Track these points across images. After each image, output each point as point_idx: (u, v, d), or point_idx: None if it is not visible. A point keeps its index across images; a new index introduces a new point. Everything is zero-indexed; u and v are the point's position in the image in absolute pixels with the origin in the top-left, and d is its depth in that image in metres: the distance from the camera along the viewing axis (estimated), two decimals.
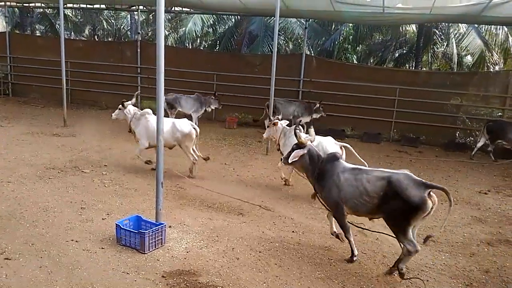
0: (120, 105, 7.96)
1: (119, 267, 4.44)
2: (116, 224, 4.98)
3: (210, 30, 22.00)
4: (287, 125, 7.90)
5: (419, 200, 4.19)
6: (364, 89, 12.48)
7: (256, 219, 5.98)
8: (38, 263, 4.44)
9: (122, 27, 24.57)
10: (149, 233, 4.76)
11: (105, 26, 24.19)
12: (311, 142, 5.21)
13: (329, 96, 12.67)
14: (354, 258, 4.81)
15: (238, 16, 18.65)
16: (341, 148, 6.94)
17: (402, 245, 4.42)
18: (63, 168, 7.83)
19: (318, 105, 11.84)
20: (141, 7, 14.82)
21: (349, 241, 4.83)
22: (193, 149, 7.76)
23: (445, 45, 19.73)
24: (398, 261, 4.49)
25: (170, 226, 5.43)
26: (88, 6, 16.36)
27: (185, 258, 4.69)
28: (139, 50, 14.54)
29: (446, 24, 17.91)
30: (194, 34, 20.86)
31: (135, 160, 8.64)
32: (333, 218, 4.97)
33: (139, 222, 5.18)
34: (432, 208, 4.24)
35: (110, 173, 7.71)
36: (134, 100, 8.17)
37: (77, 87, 15.23)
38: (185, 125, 7.58)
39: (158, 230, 4.89)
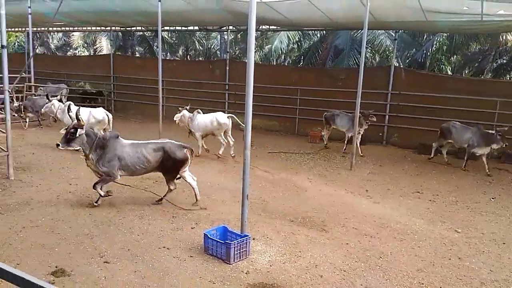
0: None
1: (206, 275, 4.61)
2: (204, 233, 5.21)
3: (295, 46, 22.27)
4: None
5: (184, 156, 6.67)
6: (460, 102, 11.62)
7: (340, 236, 5.83)
8: (133, 267, 4.79)
9: (212, 46, 25.94)
10: (234, 244, 4.89)
11: (197, 46, 25.73)
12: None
13: (419, 109, 12.04)
14: (99, 202, 6.60)
15: (324, 31, 18.65)
16: (228, 118, 10.03)
17: (169, 186, 6.83)
18: (157, 178, 8.38)
19: (495, 133, 9.44)
20: (230, 27, 15.54)
21: (98, 191, 6.49)
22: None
23: None
24: (165, 195, 6.93)
25: (254, 238, 5.52)
26: (183, 28, 17.55)
27: (268, 272, 4.73)
28: (227, 68, 15.20)
29: None
30: (280, 51, 21.28)
31: (221, 173, 9.01)
32: (99, 179, 6.50)
33: (226, 233, 5.34)
34: (191, 159, 6.81)
35: (199, 184, 8.05)
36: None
37: (171, 104, 16.33)
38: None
39: (243, 241, 5.00)
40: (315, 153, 11.10)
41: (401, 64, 18.78)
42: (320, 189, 8.09)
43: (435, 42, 18.84)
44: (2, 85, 7.48)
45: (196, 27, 17.38)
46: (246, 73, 5.05)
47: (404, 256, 5.25)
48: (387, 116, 12.70)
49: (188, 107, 10.86)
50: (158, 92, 12.52)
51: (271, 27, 15.51)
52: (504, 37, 17.57)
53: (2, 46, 7.21)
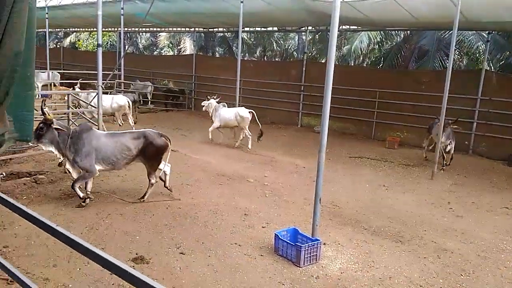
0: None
1: (275, 276, 4.64)
2: (275, 234, 5.24)
3: (376, 46, 21.52)
4: None
5: (164, 143, 6.70)
6: None
7: (417, 249, 5.52)
8: (206, 261, 4.97)
9: (289, 47, 26.00)
10: (305, 247, 4.86)
11: (274, 47, 25.95)
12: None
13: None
14: (83, 203, 6.34)
15: (408, 31, 17.79)
16: (250, 113, 10.82)
17: (150, 180, 6.73)
18: (231, 175, 8.63)
19: None
20: (309, 27, 15.44)
21: (75, 190, 6.26)
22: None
23: None
24: (146, 192, 6.81)
25: (324, 244, 5.44)
26: (262, 29, 17.82)
27: (339, 279, 4.63)
28: (304, 69, 15.13)
29: None
30: (359, 51, 20.70)
31: (293, 174, 9.01)
32: (77, 177, 6.27)
33: (296, 235, 5.33)
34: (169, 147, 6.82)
35: (270, 184, 8.17)
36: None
37: (247, 103, 16.54)
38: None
39: (314, 245, 4.95)
40: (392, 160, 10.62)
41: (492, 67, 17.27)
42: (397, 198, 7.72)
43: None
44: (96, 81, 8.16)
45: (275, 28, 17.53)
46: (325, 74, 4.97)
47: (488, 276, 4.83)
48: (474, 124, 11.75)
49: (216, 98, 11.80)
50: (235, 91, 12.88)
51: (351, 27, 15.13)
52: None
53: (98, 45, 7.87)
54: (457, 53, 18.85)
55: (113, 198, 6.82)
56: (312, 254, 4.93)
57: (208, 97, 11.93)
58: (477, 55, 18.82)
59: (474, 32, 16.82)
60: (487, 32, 13.28)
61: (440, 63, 17.47)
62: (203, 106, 11.77)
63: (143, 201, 6.74)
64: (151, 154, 6.60)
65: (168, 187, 7.07)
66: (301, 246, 4.83)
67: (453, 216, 6.87)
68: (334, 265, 4.96)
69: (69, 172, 6.54)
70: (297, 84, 15.40)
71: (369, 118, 13.56)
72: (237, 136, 11.50)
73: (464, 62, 20.04)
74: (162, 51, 29.35)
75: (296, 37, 24.54)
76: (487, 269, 5.01)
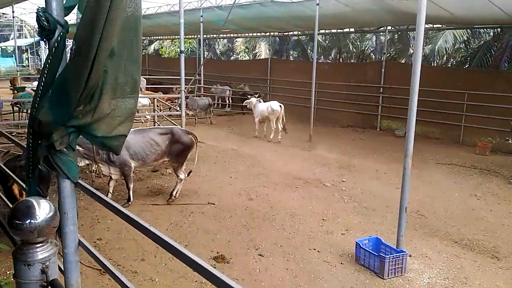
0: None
1: (357, 286, 4.46)
2: (356, 242, 5.05)
3: (462, 46, 20.03)
4: None
5: (190, 141, 6.79)
6: None
7: None
8: (285, 265, 4.93)
9: (366, 48, 25.19)
10: (389, 259, 4.61)
11: (350, 48, 25.30)
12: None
13: None
14: (130, 203, 6.52)
15: (499, 29, 16.32)
16: (280, 106, 11.57)
17: (178, 175, 6.82)
18: (307, 179, 8.52)
19: None
20: (388, 27, 14.82)
21: (129, 189, 6.55)
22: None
23: None
24: (173, 190, 6.86)
25: (410, 255, 5.13)
26: (338, 30, 17.47)
27: None
28: (383, 70, 14.54)
29: None
30: (444, 51, 19.42)
31: (373, 179, 8.67)
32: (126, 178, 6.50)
33: (378, 245, 5.09)
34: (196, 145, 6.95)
35: (349, 190, 7.92)
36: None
37: (322, 106, 16.42)
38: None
39: (399, 257, 4.69)
40: (484, 167, 9.75)
41: None
42: (491, 209, 7.05)
43: None
44: (179, 85, 8.55)
45: (352, 29, 17.08)
46: (405, 75, 4.71)
47: None
48: None
49: (257, 96, 12.89)
50: (310, 94, 12.75)
51: (434, 25, 14.23)
52: None
53: (181, 51, 8.25)
54: None
55: (194, 198, 7.08)
56: (397, 266, 4.67)
57: (249, 96, 13.44)
58: None
59: None
60: None
61: None
62: (246, 104, 12.86)
63: (174, 199, 6.74)
64: (177, 150, 6.69)
65: (173, 194, 6.87)
66: (385, 257, 4.60)
67: None
68: (421, 279, 4.65)
69: (109, 175, 6.63)
70: (376, 86, 14.82)
71: (456, 122, 12.61)
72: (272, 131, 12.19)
73: None
74: (239, 56, 30.07)
75: (374, 38, 23.69)
76: None
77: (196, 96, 15.68)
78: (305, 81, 14.61)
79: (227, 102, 18.60)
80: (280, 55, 26.44)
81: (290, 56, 27.37)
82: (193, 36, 23.59)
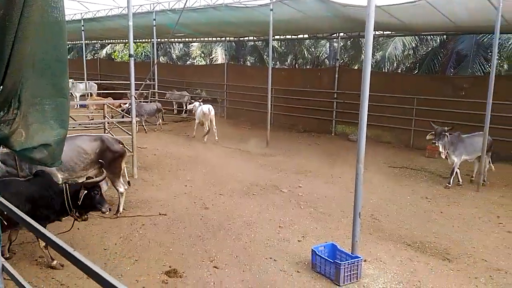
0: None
1: None
2: (312, 249, 4.99)
3: (411, 52, 20.87)
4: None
5: (121, 149, 6.45)
6: None
7: (467, 269, 5.11)
8: (241, 276, 4.78)
9: (320, 54, 25.67)
10: (345, 265, 4.58)
11: (306, 55, 25.68)
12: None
13: None
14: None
15: (445, 36, 17.15)
16: (209, 109, 12.41)
17: (117, 189, 6.45)
18: (265, 185, 8.44)
19: None
20: (341, 34, 15.14)
21: None
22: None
23: None
24: (118, 205, 6.48)
25: (365, 260, 5.13)
26: (293, 36, 17.64)
27: None
28: (336, 75, 14.81)
29: None
30: (394, 58, 20.13)
31: (328, 184, 8.72)
32: None
33: (334, 251, 5.06)
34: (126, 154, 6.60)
35: (305, 195, 7.92)
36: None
37: (278, 112, 16.48)
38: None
39: (354, 263, 4.67)
40: (434, 170, 10.10)
41: None
42: (442, 211, 7.27)
43: None
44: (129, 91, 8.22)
45: (306, 35, 17.31)
46: (358, 81, 4.72)
47: None
48: None
49: (200, 101, 13.78)
50: (267, 100, 12.75)
51: (384, 32, 14.70)
52: None
53: (130, 55, 7.93)
54: (497, 57, 17.93)
55: (146, 209, 6.78)
56: (352, 272, 4.65)
57: (192, 100, 14.71)
58: None
59: None
60: None
61: (480, 68, 16.68)
62: (191, 108, 13.71)
63: (119, 216, 6.37)
64: (109, 159, 6.20)
65: (119, 210, 6.55)
66: (340, 263, 4.56)
67: (503, 231, 6.37)
68: (376, 284, 4.65)
69: None
70: (330, 92, 15.07)
71: (407, 126, 13.05)
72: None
73: (505, 67, 19.09)
74: (195, 61, 29.71)
75: (328, 44, 24.19)
76: None
77: (151, 102, 15.23)
78: (261, 86, 14.59)
79: (185, 107, 18.26)
80: (237, 60, 26.39)
81: (247, 62, 27.38)
82: (147, 40, 23.01)
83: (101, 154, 6.15)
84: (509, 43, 16.97)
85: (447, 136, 8.60)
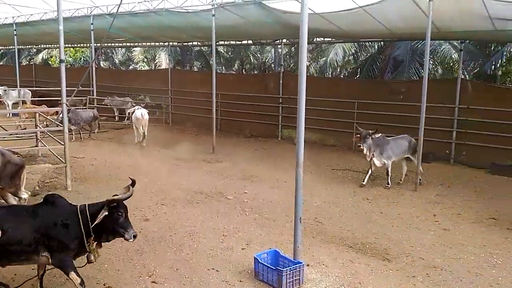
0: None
1: None
2: (254, 257, 4.88)
3: (351, 58, 21.61)
4: None
5: (21, 162, 6.11)
6: None
7: (405, 268, 5.23)
8: None
9: (266, 60, 25.92)
10: (287, 272, 4.51)
11: (252, 60, 25.82)
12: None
13: (491, 125, 10.96)
14: None
15: (382, 42, 17.92)
16: (142, 114, 12.39)
17: (20, 198, 6.00)
18: (209, 193, 8.24)
19: None
20: (284, 40, 15.33)
21: None
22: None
23: None
24: None
25: (308, 265, 5.11)
26: (237, 42, 17.62)
27: None
28: (281, 81, 14.96)
29: None
30: (335, 63, 20.73)
31: (274, 189, 8.69)
32: None
33: (277, 258, 4.99)
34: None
35: (251, 201, 7.82)
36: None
37: (225, 117, 16.35)
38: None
39: (296, 268, 4.62)
40: (375, 171, 10.38)
41: (466, 76, 17.49)
42: (382, 211, 7.46)
43: (505, 53, 17.40)
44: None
45: (250, 41, 17.36)
46: (298, 86, 4.72)
47: None
48: (454, 132, 11.72)
49: (143, 106, 13.74)
50: (212, 105, 12.59)
51: (325, 39, 15.07)
52: None
53: (61, 61, 7.47)
54: (432, 62, 19.04)
55: None
56: (294, 279, 4.59)
57: (134, 104, 14.74)
58: (451, 64, 19.07)
59: (448, 42, 17.04)
60: (459, 41, 13.41)
61: (415, 73, 17.58)
62: (128, 112, 13.87)
63: None
64: (12, 172, 5.90)
65: None
66: (282, 270, 4.49)
67: (439, 229, 6.64)
68: None
69: None
70: (275, 97, 15.19)
71: (349, 129, 13.40)
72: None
73: (439, 71, 20.28)
74: (137, 66, 28.88)
75: (273, 50, 24.47)
76: (479, 287, 4.75)
77: (88, 109, 14.50)
78: (207, 91, 14.36)
79: (127, 114, 17.60)
80: (183, 65, 25.98)
81: (194, 67, 27.05)
82: (85, 44, 22.00)
83: (4, 168, 5.77)
84: (441, 48, 18.05)
85: (372, 139, 8.87)
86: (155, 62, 27.23)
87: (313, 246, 5.82)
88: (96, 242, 4.14)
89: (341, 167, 10.74)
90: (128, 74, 23.29)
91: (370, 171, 9.17)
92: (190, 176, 9.51)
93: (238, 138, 15.04)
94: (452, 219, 7.09)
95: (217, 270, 5.03)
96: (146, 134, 12.69)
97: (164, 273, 4.93)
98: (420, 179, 9.12)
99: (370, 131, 8.94)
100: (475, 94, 11.72)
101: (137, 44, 21.31)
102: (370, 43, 18.92)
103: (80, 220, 4.00)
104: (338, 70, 22.81)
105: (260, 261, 4.78)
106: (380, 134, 9.13)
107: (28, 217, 3.97)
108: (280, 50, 18.40)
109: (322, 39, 14.89)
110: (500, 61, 17.46)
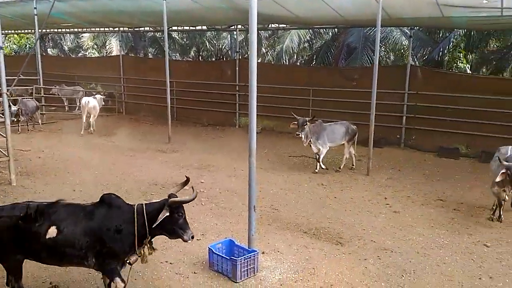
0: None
1: None
2: (208, 248, 4.82)
3: (307, 45, 21.73)
4: None
5: None
6: (480, 102, 10.95)
7: (358, 251, 5.36)
8: (132, 285, 4.42)
9: (223, 47, 25.55)
10: (241, 261, 4.49)
11: (208, 47, 25.35)
12: None
13: (438, 110, 11.44)
14: None
15: (336, 29, 18.13)
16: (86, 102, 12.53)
17: None
18: (165, 184, 8.06)
19: None
20: (239, 26, 15.13)
21: None
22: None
23: None
24: None
25: (263, 252, 5.12)
26: (191, 28, 17.20)
27: None
28: (237, 68, 14.80)
29: None
30: (291, 50, 20.77)
31: (231, 177, 8.64)
32: None
33: (232, 247, 4.95)
34: None
35: (207, 191, 7.73)
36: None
37: (182, 105, 16.01)
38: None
39: (250, 257, 4.60)
40: (330, 157, 10.55)
41: (416, 62, 18.10)
42: (336, 196, 7.61)
43: (452, 40, 18.15)
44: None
45: (205, 27, 17.00)
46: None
47: (429, 275, 4.76)
48: (404, 117, 12.12)
49: (102, 94, 14.12)
50: (166, 93, 12.27)
51: (280, 25, 15.01)
52: None
53: None
54: (383, 49, 19.51)
55: None
56: (249, 267, 4.58)
57: (94, 93, 14.48)
58: (402, 51, 19.61)
59: (398, 28, 17.48)
60: (409, 28, 13.80)
61: (368, 60, 17.95)
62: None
63: None
64: None
65: None
66: (236, 259, 4.46)
67: (390, 212, 6.86)
68: (273, 276, 4.64)
69: None
70: (232, 84, 15.03)
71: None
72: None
73: (391, 58, 20.83)
74: (87, 53, 27.60)
75: (229, 36, 24.14)
76: (427, 267, 4.95)
77: (32, 99, 13.67)
78: (163, 79, 13.94)
79: (78, 104, 16.85)
80: (136, 52, 25.10)
81: (149, 54, 26.21)
82: (30, 30, 20.71)
83: None
84: (393, 35, 18.50)
85: (308, 126, 8.93)
86: (106, 49, 26.13)
87: (268, 233, 5.83)
88: (149, 244, 3.96)
89: (297, 154, 10.83)
90: (78, 61, 22.20)
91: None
92: (145, 167, 9.25)
93: (195, 127, 14.82)
94: (402, 202, 7.35)
95: (170, 263, 4.93)
96: (92, 122, 12.74)
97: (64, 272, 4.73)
98: (342, 165, 9.37)
99: (307, 119, 8.98)
100: (424, 80, 12.15)
101: (85, 30, 20.27)
102: (324, 30, 19.08)
103: (136, 221, 3.76)
104: (295, 57, 22.91)
105: (214, 251, 4.73)
106: (318, 121, 9.21)
107: (84, 218, 3.74)
108: (236, 37, 18.14)
109: (277, 25, 14.81)
110: (447, 47, 18.18)
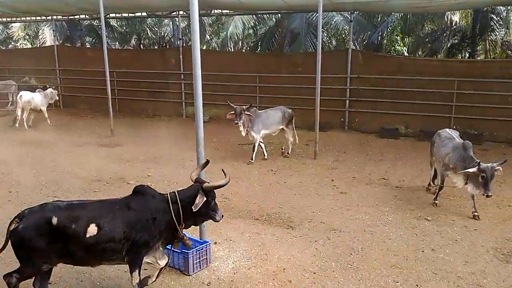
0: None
1: None
2: None
3: (251, 31, 21.64)
4: None
5: None
6: (417, 83, 11.55)
7: (308, 233, 5.47)
8: (79, 286, 4.22)
9: (166, 34, 24.79)
10: (193, 253, 4.41)
11: (150, 35, 24.49)
12: None
13: (378, 92, 11.90)
14: None
15: (279, 15, 18.17)
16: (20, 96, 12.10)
17: None
18: (109, 180, 7.74)
19: None
20: (181, 12, 14.71)
21: None
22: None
23: (503, 32, 18.31)
24: None
25: (215, 243, 5.08)
26: (130, 14, 16.49)
27: (232, 281, 4.31)
28: (181, 56, 14.43)
29: (504, 8, 16.51)
30: (236, 37, 20.59)
31: (179, 169, 8.47)
32: None
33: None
34: None
35: (155, 184, 7.47)
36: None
37: (124, 96, 15.40)
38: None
39: (202, 248, 4.53)
40: (278, 143, 10.65)
41: (357, 46, 18.65)
42: (285, 181, 7.70)
43: (390, 24, 18.87)
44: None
45: (145, 13, 16.36)
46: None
47: (376, 251, 4.96)
48: (347, 101, 12.48)
49: (49, 87, 13.38)
50: (106, 84, 11.72)
51: (223, 11, 14.78)
52: (449, 17, 17.88)
53: None
54: (325, 35, 19.88)
55: None
56: (202, 259, 4.52)
57: (40, 86, 13.91)
58: (343, 36, 20.12)
59: (339, 13, 17.86)
60: (350, 13, 14.14)
61: (311, 45, 18.22)
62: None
63: None
64: None
65: None
66: (188, 252, 4.37)
67: (337, 193, 7.07)
68: (226, 265, 4.62)
69: None
70: (177, 73, 14.65)
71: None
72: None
73: (333, 43, 21.29)
74: (18, 44, 25.69)
75: (171, 23, 23.46)
76: (374, 244, 5.15)
77: None
78: (102, 70, 13.28)
79: (11, 99, 15.71)
80: (72, 42, 23.72)
81: (86, 43, 24.87)
82: None
83: None
84: (334, 20, 18.88)
85: (245, 115, 8.73)
86: (39, 39, 24.47)
87: (220, 223, 5.71)
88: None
89: (247, 142, 10.79)
90: (8, 53, 20.67)
91: (262, 145, 9.26)
92: (86, 162, 8.82)
93: (140, 119, 14.34)
94: (348, 182, 7.59)
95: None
96: (24, 117, 12.20)
97: (59, 272, 4.50)
98: (288, 151, 9.49)
99: (244, 107, 8.81)
100: (365, 63, 12.53)
101: (15, 19, 18.82)
102: (268, 15, 19.07)
103: (172, 210, 3.77)
104: (240, 44, 22.76)
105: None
106: (253, 109, 9.11)
107: (121, 211, 3.70)
108: (178, 23, 17.64)
109: (220, 11, 14.57)
110: (385, 31, 18.88)
